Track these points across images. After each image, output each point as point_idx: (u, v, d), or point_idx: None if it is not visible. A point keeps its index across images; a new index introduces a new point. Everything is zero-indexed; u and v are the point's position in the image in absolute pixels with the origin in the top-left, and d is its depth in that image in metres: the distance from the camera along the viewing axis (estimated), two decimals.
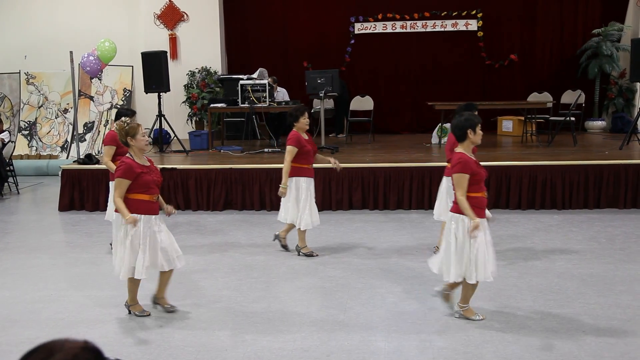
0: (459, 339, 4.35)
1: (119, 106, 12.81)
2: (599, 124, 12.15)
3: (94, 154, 9.91)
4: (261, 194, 8.62)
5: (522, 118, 11.24)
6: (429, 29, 12.85)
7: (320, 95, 9.99)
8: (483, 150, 9.91)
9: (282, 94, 11.91)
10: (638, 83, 10.53)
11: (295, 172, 6.27)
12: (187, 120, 12.78)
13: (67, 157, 12.52)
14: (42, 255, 6.80)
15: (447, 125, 10.93)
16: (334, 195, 8.54)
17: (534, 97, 11.82)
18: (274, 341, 4.40)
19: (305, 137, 6.34)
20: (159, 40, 12.46)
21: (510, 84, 12.85)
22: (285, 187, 6.22)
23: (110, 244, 6.38)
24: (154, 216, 4.71)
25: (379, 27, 12.96)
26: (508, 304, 5.01)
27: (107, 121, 12.99)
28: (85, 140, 12.86)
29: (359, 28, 13.02)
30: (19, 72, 13.26)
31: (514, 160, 8.61)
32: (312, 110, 12.54)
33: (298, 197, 6.27)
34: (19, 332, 4.66)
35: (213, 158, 9.69)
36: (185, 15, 12.80)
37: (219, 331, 4.60)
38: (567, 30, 12.67)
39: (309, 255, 6.42)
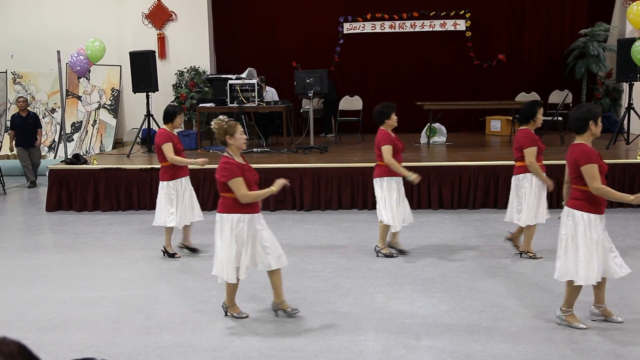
0: (447, 338, 4.36)
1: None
2: None
3: (81, 154, 9.86)
4: None
5: (510, 118, 11.30)
6: (417, 29, 12.88)
7: (309, 95, 9.99)
8: (471, 150, 9.99)
9: (271, 93, 11.89)
10: (624, 83, 10.60)
11: (385, 172, 6.14)
12: None
13: (54, 157, 12.44)
14: (29, 256, 6.75)
15: (436, 125, 10.98)
16: (323, 195, 8.54)
17: (522, 97, 11.88)
18: (262, 341, 4.39)
19: (393, 135, 6.20)
20: (147, 40, 12.40)
21: (498, 84, 12.91)
22: (415, 175, 6.03)
23: (163, 251, 6.48)
24: (256, 214, 4.61)
25: (367, 27, 12.98)
26: (495, 302, 5.03)
27: (94, 121, 12.92)
28: (73, 140, 12.79)
29: (348, 28, 13.03)
30: (6, 72, 13.17)
31: (502, 160, 8.64)
32: (301, 110, 12.55)
33: (391, 197, 6.14)
34: (5, 333, 4.60)
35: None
36: (173, 14, 12.75)
37: (207, 331, 4.59)
38: (554, 30, 12.76)
39: (389, 256, 6.29)
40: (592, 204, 4.29)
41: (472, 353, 4.13)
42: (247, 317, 4.78)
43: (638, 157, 8.36)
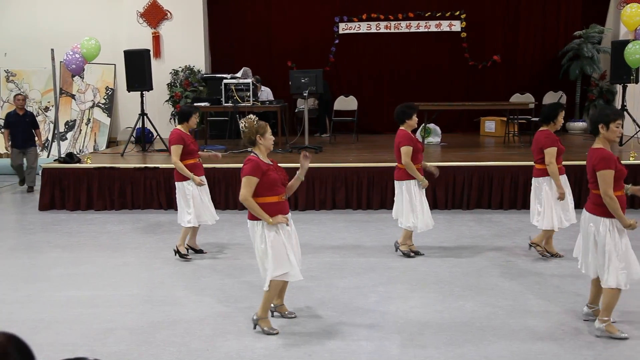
0: (440, 338, 4.37)
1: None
2: (580, 125, 12.26)
3: (75, 153, 9.83)
4: None
5: (505, 119, 11.32)
6: (413, 30, 12.89)
7: (304, 95, 9.98)
8: (466, 150, 10.00)
9: (266, 93, 11.89)
10: (618, 85, 10.64)
11: (405, 175, 6.08)
12: (170, 119, 12.70)
13: (47, 156, 12.39)
14: (22, 255, 6.73)
15: (431, 125, 11.00)
16: (318, 195, 8.54)
17: (516, 98, 11.90)
18: (256, 340, 4.39)
19: (413, 136, 6.16)
20: (142, 39, 12.36)
21: (492, 85, 12.94)
22: (426, 182, 6.07)
23: (175, 251, 6.38)
24: (287, 214, 4.49)
25: (363, 28, 12.98)
26: (489, 302, 5.04)
27: (88, 120, 12.88)
28: (66, 138, 12.74)
29: (343, 28, 13.03)
30: None
31: (497, 161, 8.67)
32: (296, 110, 12.55)
33: (412, 199, 6.09)
34: None
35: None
36: (168, 13, 12.72)
37: (200, 330, 4.58)
38: (549, 32, 12.79)
39: (407, 254, 6.28)
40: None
41: (465, 353, 4.13)
42: (277, 333, 4.48)
43: (631, 158, 8.39)
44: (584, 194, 8.25)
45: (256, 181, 4.34)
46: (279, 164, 4.67)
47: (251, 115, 4.53)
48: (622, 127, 4.44)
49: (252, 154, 4.50)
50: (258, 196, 4.38)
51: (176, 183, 6.37)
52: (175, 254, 6.41)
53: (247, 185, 4.35)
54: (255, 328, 4.57)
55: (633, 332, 4.40)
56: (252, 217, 4.45)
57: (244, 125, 4.49)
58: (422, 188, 6.12)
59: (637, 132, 9.79)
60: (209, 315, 4.90)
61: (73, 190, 8.84)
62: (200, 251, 6.58)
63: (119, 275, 5.96)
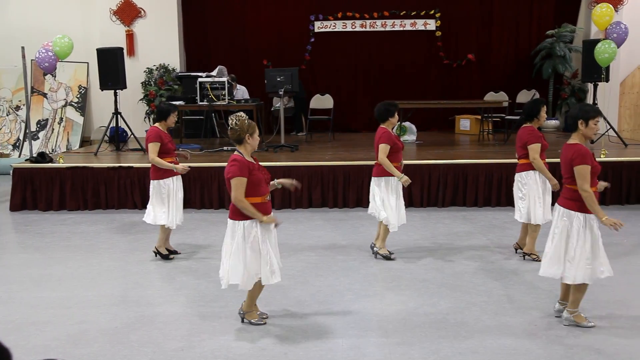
0: (415, 335, 4.39)
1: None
2: (553, 123, 12.44)
3: (47, 152, 9.68)
4: (220, 193, 8.55)
5: (479, 117, 11.43)
6: (388, 28, 12.95)
7: (280, 93, 9.96)
8: (441, 148, 10.08)
9: (241, 92, 11.84)
10: (589, 83, 10.80)
11: (384, 172, 6.05)
12: (145, 118, 12.57)
13: (19, 156, 12.19)
14: None
15: (406, 123, 11.06)
16: (294, 193, 8.52)
17: (490, 96, 12.03)
18: (231, 340, 4.37)
19: (393, 133, 6.15)
20: (115, 37, 12.22)
21: (467, 84, 13.06)
22: (406, 178, 5.97)
23: (155, 253, 6.33)
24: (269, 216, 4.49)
25: (338, 26, 13.00)
26: (463, 299, 5.08)
27: (61, 119, 12.69)
28: (38, 138, 12.54)
29: (319, 26, 13.03)
30: None
31: (471, 159, 8.75)
32: (272, 109, 12.52)
33: (388, 197, 6.07)
34: None
35: None
36: (142, 11, 12.59)
37: (175, 331, 4.54)
38: (522, 31, 12.95)
39: (387, 257, 6.21)
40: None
41: (439, 349, 4.16)
42: (265, 324, 4.61)
43: (602, 156, 8.53)
44: (557, 190, 8.39)
45: (245, 181, 4.34)
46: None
47: (241, 113, 4.50)
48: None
49: (236, 153, 4.48)
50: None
51: (152, 181, 6.29)
52: (156, 255, 6.36)
53: (238, 187, 4.34)
54: (243, 322, 4.62)
55: (603, 325, 4.48)
56: (235, 217, 4.44)
57: (234, 122, 4.44)
58: (405, 185, 6.07)
59: (608, 130, 9.95)
60: (183, 315, 4.86)
61: (45, 190, 8.70)
62: (174, 252, 6.50)
63: (92, 276, 5.88)
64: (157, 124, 6.33)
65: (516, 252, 6.37)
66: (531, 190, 5.98)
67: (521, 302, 5.02)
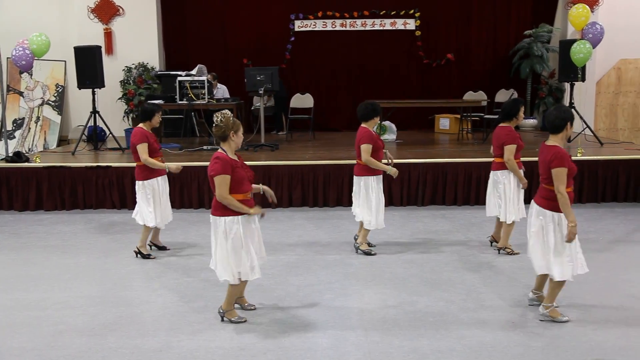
0: (394, 333, 4.41)
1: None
2: (531, 122, 12.57)
3: (23, 152, 9.55)
4: (200, 192, 8.51)
5: (459, 116, 11.51)
6: (368, 28, 12.98)
7: (260, 92, 9.93)
8: (421, 147, 10.13)
9: (222, 91, 11.79)
10: (566, 83, 10.93)
11: (365, 171, 6.11)
12: (124, 117, 12.47)
13: None
14: None
15: (386, 122, 11.10)
16: (274, 192, 8.45)
17: (469, 95, 12.12)
18: (210, 340, 4.35)
19: (375, 133, 6.19)
20: (93, 35, 12.09)
21: (446, 83, 13.14)
22: (395, 169, 6.07)
23: (137, 252, 6.33)
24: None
25: (319, 25, 13.00)
26: (442, 297, 5.11)
27: (38, 118, 12.52)
28: (14, 137, 12.35)
29: (299, 25, 13.02)
30: None
31: (451, 157, 8.80)
32: (252, 108, 12.48)
33: (368, 196, 6.13)
34: None
35: None
36: (120, 9, 12.47)
37: (153, 331, 4.51)
38: (500, 31, 13.06)
39: (367, 253, 6.30)
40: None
41: (418, 347, 4.19)
42: (245, 321, 4.64)
43: (579, 155, 8.64)
44: (535, 189, 8.48)
45: (229, 178, 4.38)
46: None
47: (226, 111, 4.53)
48: None
49: (219, 151, 4.51)
50: None
51: (137, 182, 6.29)
52: (137, 255, 6.33)
53: (222, 184, 4.38)
54: (222, 321, 4.63)
55: (578, 320, 4.55)
56: (217, 213, 4.49)
57: (220, 120, 4.47)
58: (394, 175, 6.14)
59: (584, 129, 10.07)
60: (162, 315, 4.83)
61: (21, 190, 8.59)
62: (163, 248, 6.58)
63: (70, 277, 5.81)
64: (141, 125, 6.33)
65: (491, 245, 6.50)
66: (506, 189, 6.08)
67: (499, 299, 5.06)
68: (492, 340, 4.28)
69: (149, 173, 6.22)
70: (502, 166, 6.08)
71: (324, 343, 4.28)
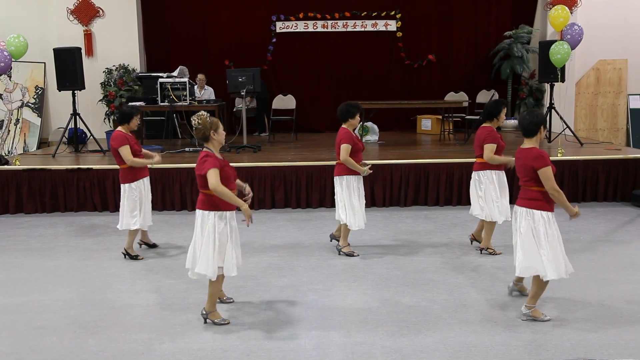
0: (377, 334, 4.42)
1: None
2: (512, 122, 12.67)
3: (3, 154, 9.44)
4: (182, 194, 8.47)
5: (440, 117, 11.58)
6: (349, 29, 13.02)
7: (242, 93, 9.91)
8: (403, 148, 10.17)
9: (209, 92, 11.77)
10: (546, 84, 11.05)
11: (345, 171, 6.17)
12: (105, 119, 12.37)
13: None
14: None
15: (368, 123, 11.13)
16: (256, 194, 8.50)
17: (450, 96, 12.19)
18: (192, 342, 4.33)
19: (354, 134, 6.23)
20: (73, 36, 11.99)
21: (428, 84, 13.22)
22: (367, 168, 6.12)
23: (125, 254, 6.35)
24: (234, 211, 4.64)
25: (300, 26, 13.01)
26: (425, 297, 5.14)
27: (17, 120, 12.38)
28: None
29: (281, 27, 13.02)
30: None
31: (433, 158, 8.84)
32: (234, 109, 12.46)
33: (350, 196, 6.18)
34: None
35: None
36: (101, 10, 12.38)
37: (135, 334, 4.48)
38: (480, 32, 13.17)
39: (350, 255, 6.32)
40: (548, 202, 4.49)
41: (401, 348, 4.20)
42: (228, 323, 4.64)
43: (559, 155, 8.73)
44: (515, 189, 8.55)
45: (219, 171, 4.45)
46: None
47: (202, 112, 4.61)
48: None
49: (205, 150, 4.58)
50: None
51: (122, 185, 6.29)
52: (125, 257, 6.33)
53: (214, 176, 4.42)
54: (205, 322, 4.63)
55: (560, 320, 4.60)
56: (204, 207, 4.57)
57: (197, 122, 4.55)
58: (366, 174, 6.17)
59: (564, 130, 10.18)
60: (144, 318, 4.80)
61: (1, 193, 8.48)
62: (154, 245, 6.68)
63: (50, 280, 5.75)
64: (120, 128, 6.34)
65: (471, 244, 6.59)
66: (487, 189, 6.14)
67: (482, 299, 5.10)
68: (475, 340, 4.31)
69: (135, 175, 6.25)
70: (483, 166, 6.12)
71: (308, 344, 4.28)
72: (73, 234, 7.41)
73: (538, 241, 4.50)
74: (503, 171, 6.20)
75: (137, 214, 6.23)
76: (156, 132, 11.80)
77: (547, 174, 4.41)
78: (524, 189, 4.60)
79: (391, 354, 4.12)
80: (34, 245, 6.96)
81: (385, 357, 4.08)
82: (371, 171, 6.22)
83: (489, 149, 5.99)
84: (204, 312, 4.66)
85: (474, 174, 6.29)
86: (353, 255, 6.31)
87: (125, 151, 6.13)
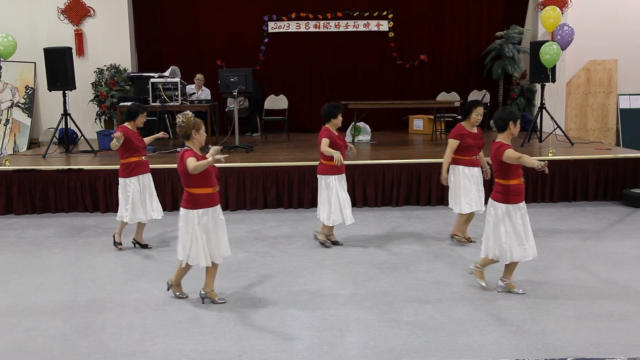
0: (369, 334, 4.43)
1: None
2: None
3: None
4: (174, 194, 8.44)
5: (432, 117, 11.60)
6: (341, 29, 13.03)
7: (234, 94, 9.90)
8: (395, 148, 10.18)
9: (206, 93, 11.75)
10: (537, 84, 11.09)
11: (327, 170, 6.44)
12: (96, 119, 12.31)
13: None
14: None
15: (361, 124, 11.14)
16: (249, 194, 8.49)
17: (442, 96, 12.23)
18: (185, 343, 4.32)
19: (336, 133, 6.47)
20: (63, 36, 11.92)
21: (420, 84, 13.24)
22: (338, 154, 6.26)
23: (133, 242, 6.69)
24: (217, 206, 4.94)
25: (292, 27, 13.00)
26: (417, 297, 5.15)
27: (7, 120, 12.30)
28: None
29: (273, 27, 13.00)
30: None
31: (425, 158, 8.86)
32: (226, 109, 12.43)
33: (329, 194, 6.43)
34: None
35: None
36: (92, 10, 12.32)
37: (126, 336, 4.46)
38: (472, 32, 13.20)
39: (322, 244, 6.64)
40: (510, 195, 4.96)
41: (393, 347, 4.21)
42: (187, 297, 5.13)
43: (550, 154, 8.77)
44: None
45: (196, 159, 4.68)
46: None
47: (188, 112, 4.87)
48: None
49: (186, 148, 4.83)
50: (194, 187, 4.81)
51: (119, 179, 6.52)
52: (135, 246, 6.71)
53: (193, 161, 4.65)
54: (203, 302, 5.01)
55: (551, 319, 4.62)
56: (189, 206, 4.85)
57: (182, 120, 4.82)
58: (338, 164, 6.30)
59: (555, 129, 10.23)
60: (136, 319, 4.78)
61: None
62: (145, 246, 6.73)
63: (41, 281, 5.72)
64: (126, 123, 6.56)
65: (451, 239, 6.84)
66: (456, 182, 6.49)
67: (474, 297, 5.11)
68: (466, 340, 4.32)
69: (131, 170, 6.45)
70: (453, 161, 6.48)
71: (300, 344, 4.28)
72: (64, 235, 7.37)
73: (497, 230, 5.00)
74: (479, 167, 6.49)
75: (129, 209, 6.43)
76: (148, 132, 11.65)
77: (509, 155, 4.82)
78: (495, 183, 5.07)
79: (384, 353, 4.12)
80: (24, 247, 6.91)
81: (378, 357, 4.08)
82: (341, 160, 6.31)
83: (450, 144, 6.41)
84: (203, 292, 5.06)
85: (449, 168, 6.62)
86: (325, 246, 6.61)
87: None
